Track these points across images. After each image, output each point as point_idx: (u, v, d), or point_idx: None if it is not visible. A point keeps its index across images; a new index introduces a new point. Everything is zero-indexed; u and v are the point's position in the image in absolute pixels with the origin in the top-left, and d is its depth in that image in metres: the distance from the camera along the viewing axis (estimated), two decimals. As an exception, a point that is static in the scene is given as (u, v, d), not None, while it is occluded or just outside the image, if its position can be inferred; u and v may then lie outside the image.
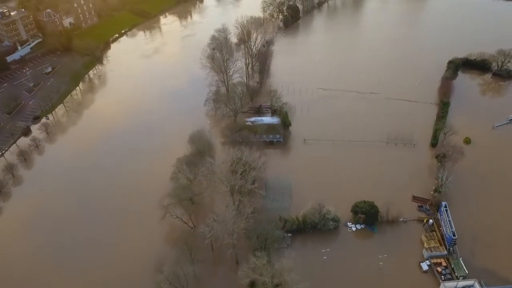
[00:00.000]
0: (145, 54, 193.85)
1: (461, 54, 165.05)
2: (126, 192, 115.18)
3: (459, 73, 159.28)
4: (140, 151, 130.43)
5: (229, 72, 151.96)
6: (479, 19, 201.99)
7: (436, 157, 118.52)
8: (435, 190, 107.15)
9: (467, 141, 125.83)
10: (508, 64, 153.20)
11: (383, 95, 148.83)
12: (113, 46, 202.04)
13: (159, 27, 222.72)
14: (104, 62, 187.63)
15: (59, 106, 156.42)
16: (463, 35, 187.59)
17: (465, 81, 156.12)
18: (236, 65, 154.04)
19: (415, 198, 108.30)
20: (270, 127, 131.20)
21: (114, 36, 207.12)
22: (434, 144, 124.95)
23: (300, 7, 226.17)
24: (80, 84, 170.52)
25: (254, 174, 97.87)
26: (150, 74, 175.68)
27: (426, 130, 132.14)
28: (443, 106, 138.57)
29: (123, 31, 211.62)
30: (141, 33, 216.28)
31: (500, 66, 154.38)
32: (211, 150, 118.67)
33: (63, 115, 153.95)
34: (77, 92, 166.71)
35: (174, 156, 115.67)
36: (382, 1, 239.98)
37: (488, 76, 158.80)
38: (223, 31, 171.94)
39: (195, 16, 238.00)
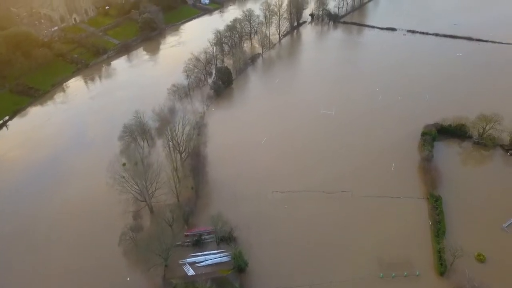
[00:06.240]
0: (35, 149, 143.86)
1: (430, 116, 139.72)
2: None
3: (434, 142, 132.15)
4: None
5: (150, 188, 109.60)
6: (436, 68, 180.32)
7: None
8: None
9: (481, 259, 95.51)
10: (490, 131, 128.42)
11: (356, 192, 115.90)
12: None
13: (55, 107, 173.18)
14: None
15: None
16: (422, 89, 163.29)
17: (445, 154, 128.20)
18: (160, 176, 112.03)
19: None
20: (220, 283, 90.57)
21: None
22: (442, 272, 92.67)
23: (230, 61, 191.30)
24: None
25: None
26: (42, 183, 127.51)
27: (424, 245, 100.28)
28: (435, 204, 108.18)
29: (2, 121, 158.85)
30: (29, 118, 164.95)
31: (481, 133, 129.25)
32: None
33: None
34: None
35: None
36: (318, 49, 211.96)
37: (467, 144, 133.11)
38: (139, 123, 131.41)
39: (105, 83, 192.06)
